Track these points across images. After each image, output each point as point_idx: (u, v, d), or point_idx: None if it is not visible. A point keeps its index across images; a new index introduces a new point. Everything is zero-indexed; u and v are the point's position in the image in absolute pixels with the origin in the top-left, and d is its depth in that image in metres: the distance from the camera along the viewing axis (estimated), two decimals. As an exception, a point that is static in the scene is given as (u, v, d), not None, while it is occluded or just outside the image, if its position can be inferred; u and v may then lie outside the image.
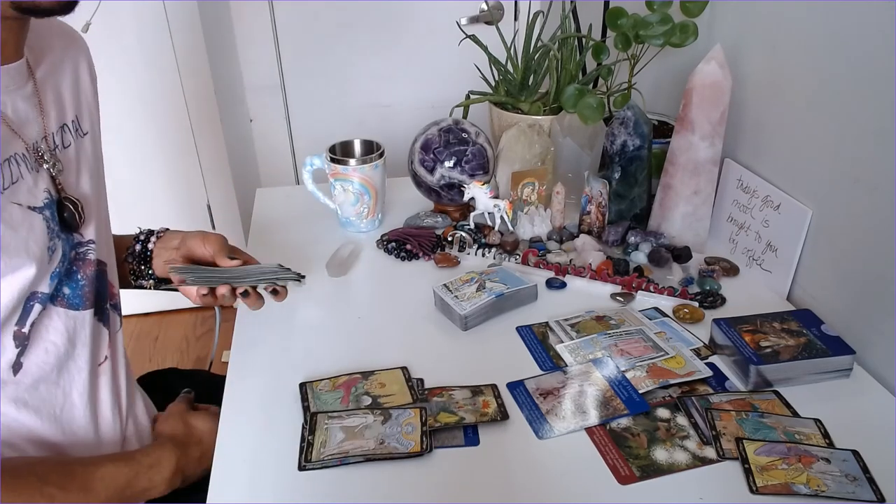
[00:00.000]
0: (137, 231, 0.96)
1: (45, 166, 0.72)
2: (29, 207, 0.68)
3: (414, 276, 1.08)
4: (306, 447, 0.74)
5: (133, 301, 2.25)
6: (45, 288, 0.70)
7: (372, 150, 1.19)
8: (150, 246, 0.93)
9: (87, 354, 0.78)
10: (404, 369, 0.86)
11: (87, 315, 0.77)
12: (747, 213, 1.07)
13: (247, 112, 2.27)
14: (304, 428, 0.77)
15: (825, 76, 0.91)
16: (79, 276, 0.76)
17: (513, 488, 0.70)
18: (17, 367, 0.70)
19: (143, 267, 0.93)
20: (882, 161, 0.82)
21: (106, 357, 0.82)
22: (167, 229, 0.96)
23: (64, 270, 0.73)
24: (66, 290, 0.74)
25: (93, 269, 0.78)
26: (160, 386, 1.01)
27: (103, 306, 0.82)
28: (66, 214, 0.73)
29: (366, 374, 0.85)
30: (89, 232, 0.78)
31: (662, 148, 1.15)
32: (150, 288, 0.95)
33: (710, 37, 1.16)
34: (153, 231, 0.95)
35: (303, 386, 0.83)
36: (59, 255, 0.72)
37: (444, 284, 0.98)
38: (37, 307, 0.70)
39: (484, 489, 0.70)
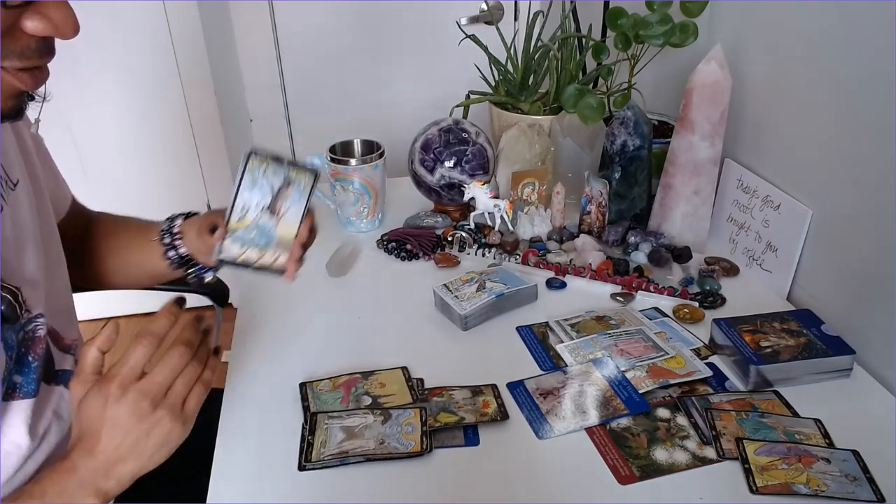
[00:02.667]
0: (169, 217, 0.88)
1: None
2: None
3: (414, 276, 1.08)
4: (306, 447, 0.74)
5: (133, 301, 2.25)
6: None
7: (372, 150, 1.19)
8: (176, 229, 0.85)
9: (55, 432, 0.73)
10: (404, 369, 0.86)
11: (49, 395, 0.72)
12: (747, 213, 1.07)
13: (247, 112, 2.27)
14: (304, 428, 0.77)
15: (825, 76, 0.91)
16: (30, 359, 0.69)
17: (513, 488, 0.70)
18: None
19: (190, 268, 0.87)
20: (882, 161, 0.82)
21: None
22: (187, 215, 0.87)
23: (13, 361, 0.67)
24: (19, 379, 0.68)
25: (44, 344, 0.71)
26: None
27: (53, 370, 0.75)
28: (3, 308, 0.65)
29: (366, 374, 0.85)
30: (36, 307, 0.70)
31: (662, 148, 1.15)
32: (193, 278, 0.88)
33: (710, 37, 1.16)
34: (176, 217, 0.87)
35: (303, 386, 0.83)
36: (1, 355, 0.65)
37: (444, 284, 0.98)
38: None
39: (484, 489, 0.70)
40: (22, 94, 0.59)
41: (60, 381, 0.76)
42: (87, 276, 0.92)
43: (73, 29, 0.55)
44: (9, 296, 0.66)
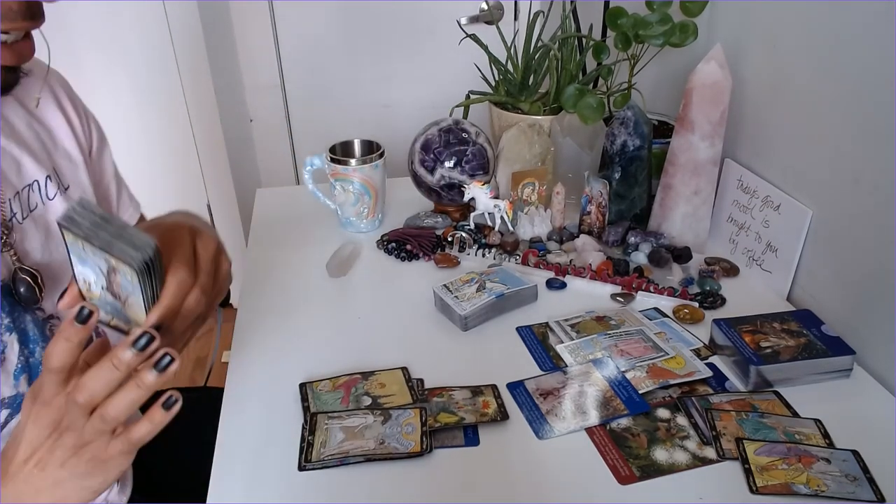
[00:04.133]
0: None
1: (5, 240, 0.64)
2: None
3: (414, 277, 1.08)
4: (306, 447, 0.74)
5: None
6: (8, 391, 0.62)
7: (372, 150, 1.19)
8: None
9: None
10: (404, 369, 0.86)
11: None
12: (747, 213, 1.07)
13: (247, 112, 2.27)
14: (304, 428, 0.77)
15: (825, 76, 0.91)
16: None
17: (513, 488, 0.70)
18: None
19: None
20: (882, 161, 0.82)
21: None
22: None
23: (33, 357, 0.65)
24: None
25: None
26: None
27: None
28: (22, 289, 0.63)
29: (366, 375, 0.85)
30: (52, 304, 0.69)
31: (662, 148, 1.15)
32: None
33: (710, 37, 1.16)
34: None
35: (303, 386, 0.84)
36: (15, 349, 0.63)
37: (444, 284, 0.98)
38: (3, 413, 0.62)
39: (484, 489, 0.70)
40: (8, 69, 0.57)
41: None
42: None
43: None
44: (27, 277, 0.64)
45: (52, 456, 0.48)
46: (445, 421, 0.77)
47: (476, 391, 0.82)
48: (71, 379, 0.48)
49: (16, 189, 0.70)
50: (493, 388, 0.83)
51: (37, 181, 0.72)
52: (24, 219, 0.70)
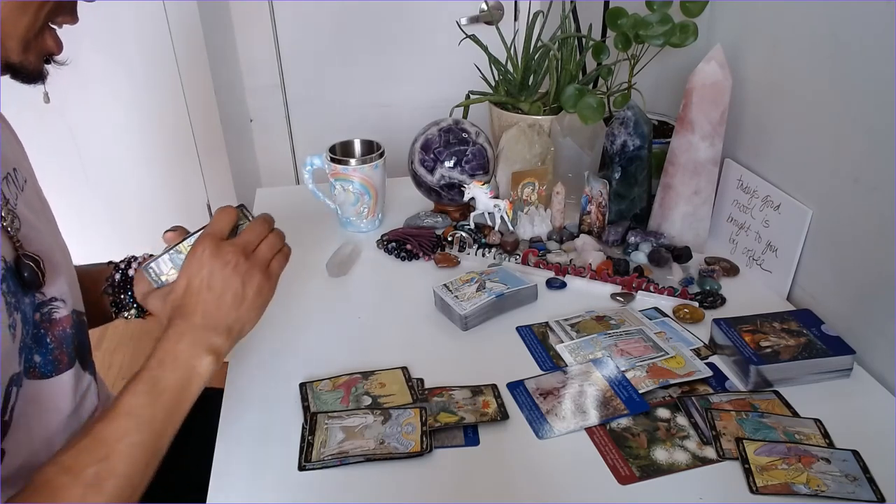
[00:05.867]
0: (111, 262, 0.90)
1: (4, 224, 0.66)
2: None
3: (414, 276, 1.08)
4: (306, 447, 0.74)
5: (133, 301, 2.25)
6: (16, 367, 0.65)
7: (372, 149, 1.19)
8: (131, 272, 0.88)
9: (75, 418, 0.74)
10: (404, 369, 0.86)
11: (63, 377, 0.72)
12: (747, 213, 1.07)
13: (247, 112, 2.27)
14: (304, 428, 0.77)
15: (825, 76, 0.91)
16: (47, 340, 0.70)
17: (513, 488, 0.70)
18: None
19: (122, 296, 0.88)
20: (882, 161, 0.82)
21: (96, 408, 0.80)
22: (151, 255, 0.89)
23: (31, 337, 0.67)
24: (37, 359, 0.69)
25: (64, 327, 0.72)
26: None
27: (88, 359, 0.78)
28: (26, 274, 0.66)
29: (366, 375, 0.85)
30: (53, 289, 0.71)
31: (662, 148, 1.15)
32: (130, 318, 0.91)
33: (710, 37, 1.16)
34: (135, 257, 0.90)
35: (303, 386, 0.84)
36: (20, 327, 0.65)
37: (444, 284, 0.98)
38: (13, 391, 0.65)
39: (484, 489, 0.70)
40: (48, 56, 0.66)
41: (91, 372, 0.78)
42: None
43: None
44: (31, 263, 0.67)
45: (242, 286, 0.68)
46: (445, 421, 0.77)
47: (476, 391, 0.82)
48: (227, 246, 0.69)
49: (13, 165, 0.73)
50: (493, 387, 0.83)
51: (15, 168, 0.74)
52: (16, 205, 0.71)
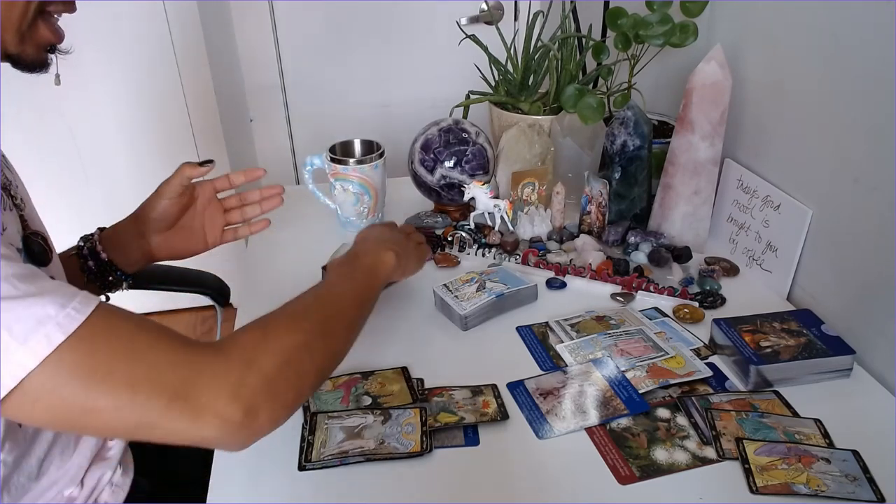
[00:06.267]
0: (71, 253, 0.89)
1: (16, 202, 0.70)
2: (17, 250, 0.65)
3: (414, 277, 1.08)
4: (306, 447, 0.74)
5: (133, 301, 2.25)
6: None
7: (372, 150, 1.19)
8: (104, 256, 0.88)
9: None
10: (404, 369, 0.86)
11: None
12: (747, 213, 1.07)
13: (247, 112, 2.27)
14: (304, 428, 0.77)
15: (825, 76, 0.91)
16: None
17: (513, 488, 0.70)
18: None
19: (110, 277, 0.89)
20: (882, 161, 0.82)
21: None
22: (99, 232, 0.90)
23: None
24: None
25: None
26: None
27: None
28: (36, 249, 0.69)
29: (366, 374, 0.85)
30: (49, 269, 0.73)
31: (662, 148, 1.15)
32: (126, 289, 0.93)
33: (710, 37, 1.16)
34: (85, 242, 0.89)
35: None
36: None
37: (444, 284, 0.98)
38: None
39: (484, 489, 0.70)
40: (48, 45, 0.66)
41: None
42: None
43: None
44: (40, 240, 0.70)
45: (405, 240, 0.88)
46: (445, 421, 0.77)
47: (476, 391, 0.82)
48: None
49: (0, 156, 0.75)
50: (493, 387, 0.83)
51: (3, 155, 0.76)
52: (17, 186, 0.73)
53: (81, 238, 0.90)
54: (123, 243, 0.90)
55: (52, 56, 0.68)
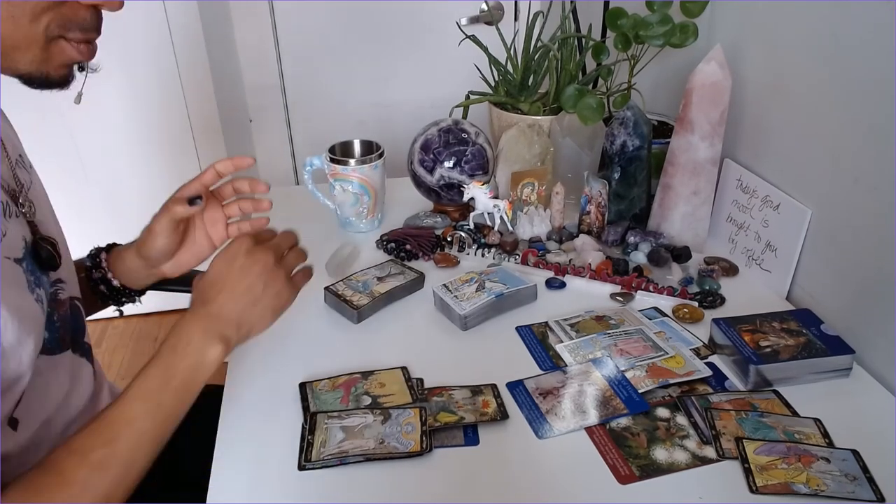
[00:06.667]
0: (80, 272, 0.87)
1: (23, 210, 0.69)
2: (14, 260, 0.64)
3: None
4: (306, 447, 0.74)
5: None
6: (44, 336, 0.67)
7: (371, 150, 1.19)
8: (115, 282, 0.88)
9: (75, 398, 0.76)
10: (404, 369, 0.86)
11: (65, 356, 0.74)
12: (747, 213, 1.07)
13: (247, 112, 2.27)
14: (304, 428, 0.77)
15: (825, 76, 0.91)
16: (55, 318, 0.71)
17: (513, 488, 0.70)
18: (13, 422, 0.66)
19: (123, 298, 0.90)
20: (882, 161, 0.82)
21: (93, 392, 0.81)
22: (105, 253, 0.89)
23: (45, 314, 0.69)
24: (46, 335, 0.69)
25: (66, 308, 0.74)
26: None
27: (81, 341, 0.79)
28: (44, 255, 0.68)
29: (365, 374, 0.85)
30: (59, 272, 0.73)
31: (662, 148, 1.15)
32: (137, 301, 0.93)
33: (710, 37, 1.16)
34: (94, 266, 0.88)
35: (303, 386, 0.84)
36: (45, 302, 0.67)
37: (444, 284, 0.98)
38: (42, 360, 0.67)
39: (484, 489, 0.70)
40: (73, 64, 0.66)
41: (84, 354, 0.79)
42: None
43: (119, 1, 0.67)
44: (48, 246, 0.69)
45: (263, 286, 0.70)
46: (445, 420, 0.77)
47: (476, 391, 0.82)
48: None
49: (18, 151, 0.75)
50: (493, 387, 0.83)
51: (20, 154, 0.76)
52: (30, 189, 0.73)
53: (89, 257, 0.89)
54: (133, 270, 0.88)
55: (76, 73, 0.68)
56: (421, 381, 0.84)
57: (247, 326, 0.70)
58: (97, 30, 0.68)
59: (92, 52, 0.68)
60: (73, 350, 0.77)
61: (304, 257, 0.77)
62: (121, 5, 0.67)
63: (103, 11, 0.69)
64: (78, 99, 0.72)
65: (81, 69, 0.68)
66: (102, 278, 0.88)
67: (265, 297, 0.70)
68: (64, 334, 0.73)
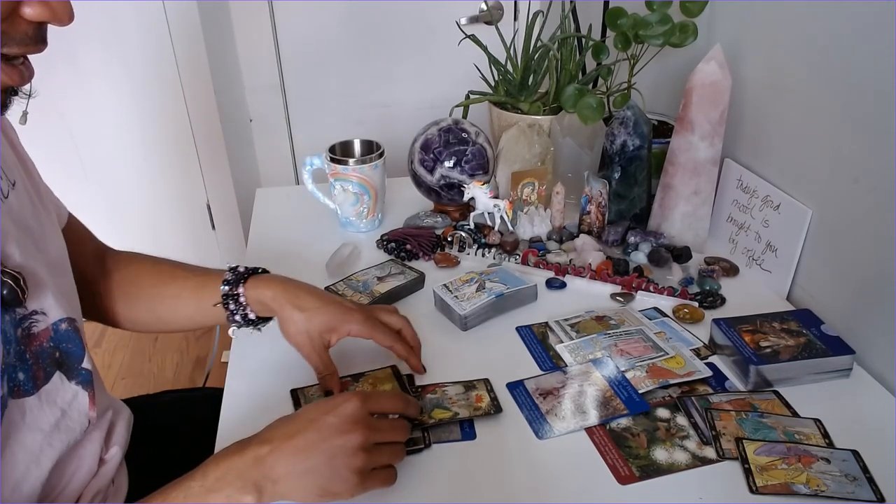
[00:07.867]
0: (224, 278, 0.85)
1: None
2: None
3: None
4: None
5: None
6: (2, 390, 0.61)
7: (372, 150, 1.19)
8: (252, 316, 0.85)
9: (57, 433, 0.69)
10: (394, 367, 0.86)
11: (41, 394, 0.67)
12: (747, 213, 1.07)
13: (247, 112, 2.27)
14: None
15: (825, 76, 0.91)
16: (27, 356, 0.65)
17: (512, 489, 0.70)
18: None
19: (253, 326, 0.87)
20: (882, 161, 0.82)
21: (89, 422, 0.73)
22: (243, 287, 0.84)
23: (14, 355, 0.64)
24: (21, 376, 0.64)
25: (41, 342, 0.67)
26: (151, 413, 0.94)
27: (76, 368, 0.71)
28: (5, 293, 0.62)
29: (356, 377, 0.85)
30: (34, 303, 0.67)
31: (662, 148, 1.15)
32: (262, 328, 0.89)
33: (710, 37, 1.16)
34: (237, 308, 0.85)
35: (294, 392, 0.83)
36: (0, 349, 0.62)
37: (444, 284, 0.98)
38: None
39: (483, 488, 0.70)
40: (6, 89, 0.59)
41: (80, 381, 0.72)
42: (102, 313, 0.91)
43: (69, 15, 0.56)
44: (9, 280, 0.63)
45: (329, 479, 0.62)
46: (440, 417, 0.77)
47: (469, 386, 0.82)
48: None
49: None
50: (486, 381, 0.83)
51: None
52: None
53: (225, 288, 0.84)
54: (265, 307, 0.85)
55: (12, 98, 0.61)
56: (411, 377, 0.85)
57: (284, 489, 0.62)
58: (40, 43, 0.58)
59: (23, 76, 0.59)
60: (68, 377, 0.71)
61: (398, 457, 0.68)
62: (71, 20, 0.57)
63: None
64: (23, 119, 0.65)
65: (15, 94, 0.60)
66: (244, 317, 0.85)
67: (323, 473, 0.62)
68: (38, 371, 0.67)
